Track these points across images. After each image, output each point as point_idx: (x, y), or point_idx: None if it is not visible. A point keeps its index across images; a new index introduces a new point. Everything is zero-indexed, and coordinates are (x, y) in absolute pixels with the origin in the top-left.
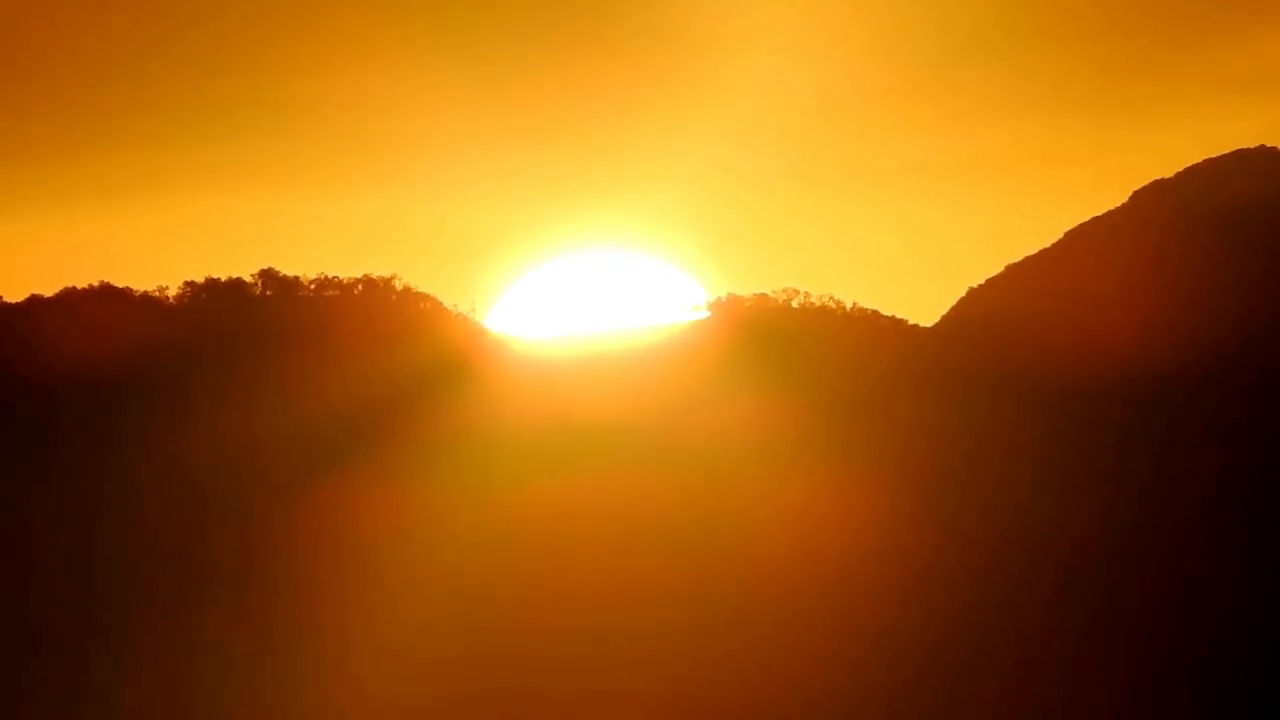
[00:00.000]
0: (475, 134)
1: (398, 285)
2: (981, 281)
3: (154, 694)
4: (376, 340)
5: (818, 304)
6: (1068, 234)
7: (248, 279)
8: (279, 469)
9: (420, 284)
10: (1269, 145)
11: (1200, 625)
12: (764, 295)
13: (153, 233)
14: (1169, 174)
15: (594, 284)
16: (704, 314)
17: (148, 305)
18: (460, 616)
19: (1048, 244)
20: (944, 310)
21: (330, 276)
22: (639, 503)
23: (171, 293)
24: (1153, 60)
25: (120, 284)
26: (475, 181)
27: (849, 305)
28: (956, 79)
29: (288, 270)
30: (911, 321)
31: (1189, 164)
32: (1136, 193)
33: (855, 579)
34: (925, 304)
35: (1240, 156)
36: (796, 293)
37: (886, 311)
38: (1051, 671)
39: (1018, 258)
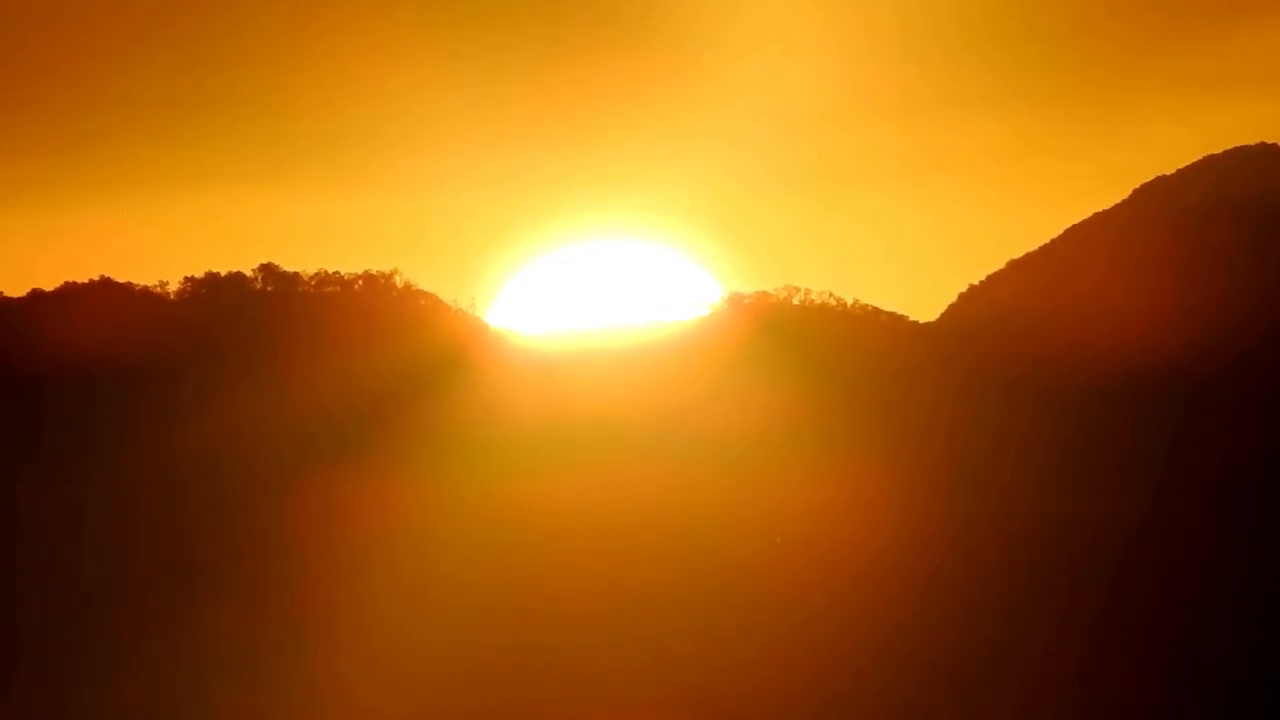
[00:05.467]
0: (477, 129)
1: (398, 281)
2: (982, 278)
3: (140, 691)
4: (376, 336)
5: (818, 301)
6: (1068, 230)
7: (248, 274)
8: (280, 464)
9: (421, 280)
10: (1269, 142)
11: (1215, 620)
12: (765, 292)
13: (153, 228)
14: (1170, 170)
15: (592, 279)
16: (704, 311)
17: (148, 300)
18: (460, 611)
19: (1048, 240)
20: (944, 306)
21: (331, 272)
22: (639, 499)
23: (172, 288)
24: (1153, 57)
25: (121, 279)
26: (476, 177)
27: (849, 302)
28: (957, 76)
29: (288, 266)
30: (912, 318)
31: (1190, 160)
32: (1137, 189)
33: (868, 577)
34: (926, 300)
35: (1241, 153)
36: (797, 290)
37: (887, 308)
38: (1067, 667)
39: (1019, 254)
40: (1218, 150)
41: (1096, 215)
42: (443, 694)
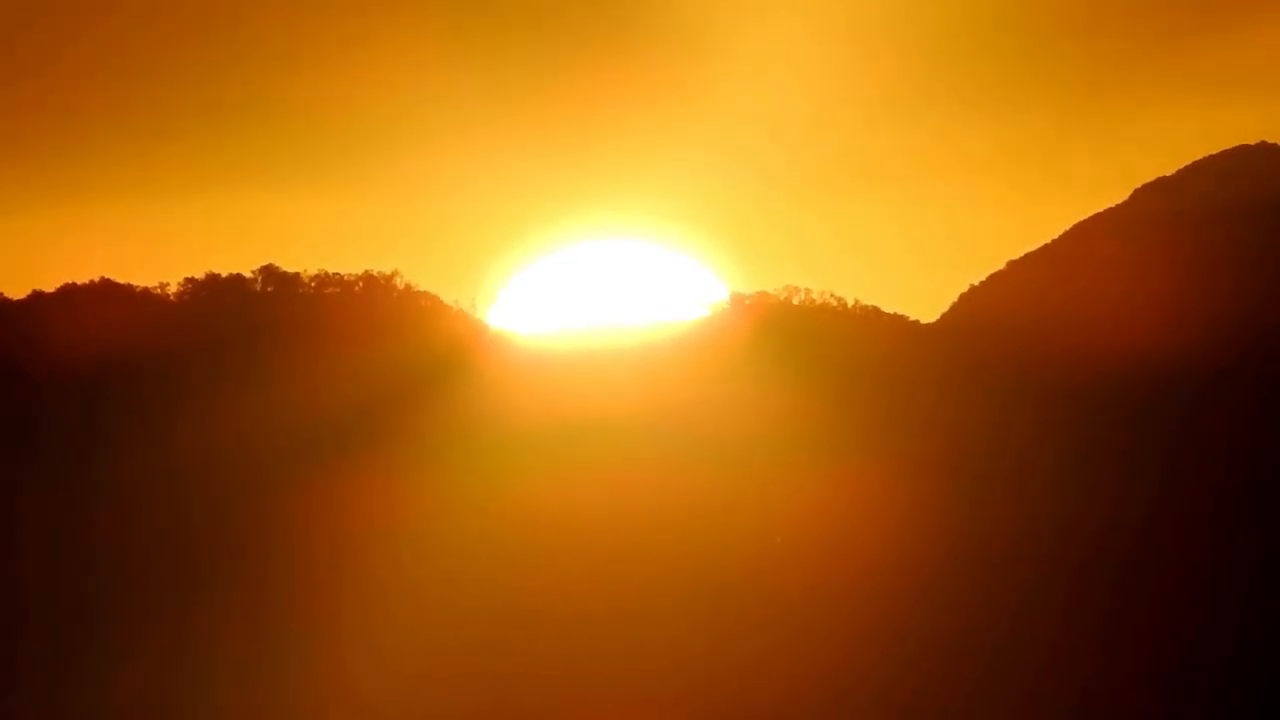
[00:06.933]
0: (478, 129)
1: (399, 282)
2: (983, 278)
3: (143, 691)
4: (376, 337)
5: (819, 301)
6: (1069, 230)
7: (248, 276)
8: (279, 466)
9: (421, 280)
10: (1269, 141)
11: (1219, 620)
12: (765, 293)
13: (154, 230)
14: (1170, 170)
15: (593, 279)
16: (705, 311)
17: (148, 301)
18: (458, 615)
19: (1049, 240)
20: (945, 307)
21: (331, 273)
22: (640, 500)
23: (172, 289)
24: (1153, 56)
25: (121, 280)
26: (476, 177)
27: (850, 302)
28: (957, 77)
29: (288, 267)
30: (913, 318)
31: (1190, 161)
32: (1137, 190)
33: (870, 577)
34: (926, 301)
35: (1241, 153)
36: (798, 290)
37: (888, 308)
38: (1071, 668)
39: (1018, 254)
40: (1218, 150)
41: (1097, 215)
42: (444, 695)
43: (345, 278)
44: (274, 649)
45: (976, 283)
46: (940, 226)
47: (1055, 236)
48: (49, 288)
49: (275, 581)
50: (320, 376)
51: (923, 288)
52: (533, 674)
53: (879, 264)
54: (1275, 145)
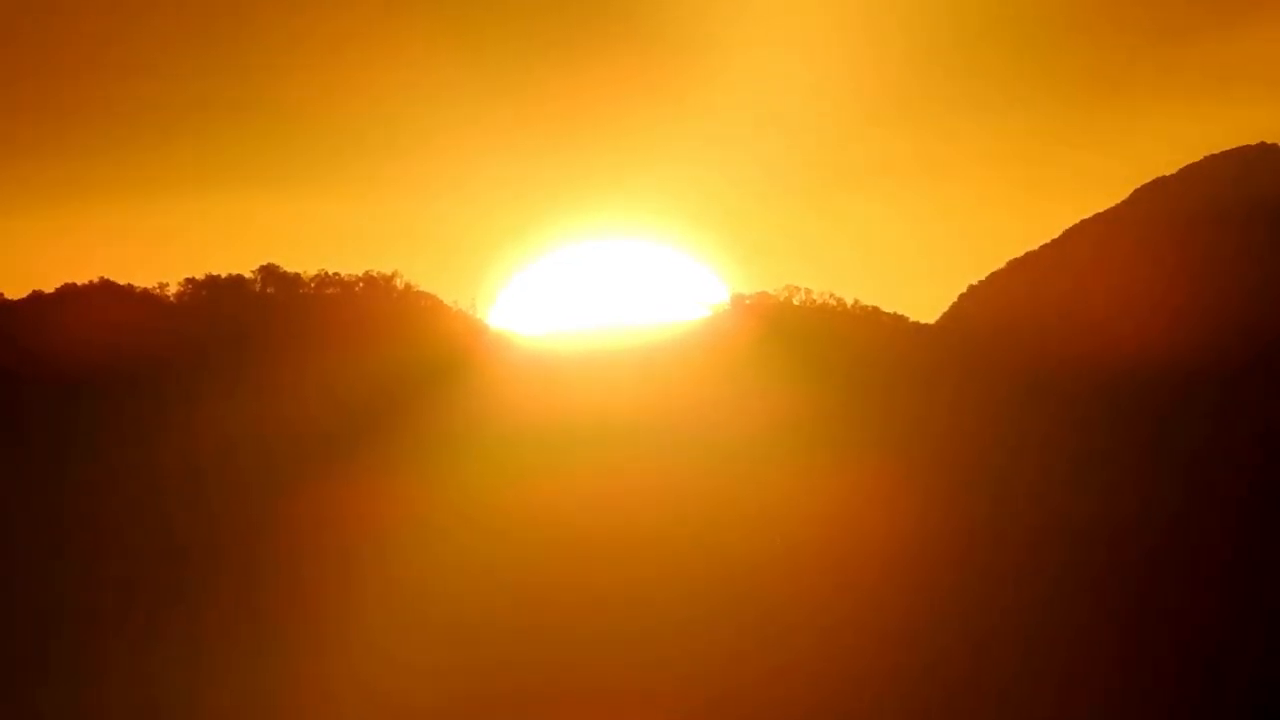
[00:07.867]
0: (478, 130)
1: (399, 283)
2: (983, 278)
3: (127, 691)
4: (377, 338)
5: (819, 301)
6: (1068, 230)
7: (249, 276)
8: (280, 465)
9: (422, 281)
10: (1269, 142)
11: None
12: (765, 293)
13: (154, 230)
14: (1170, 171)
15: (594, 279)
16: (705, 311)
17: (148, 302)
18: (458, 612)
19: (1048, 240)
20: (945, 307)
21: (331, 274)
22: (642, 501)
23: (172, 290)
24: (1153, 57)
25: (121, 281)
26: (477, 177)
27: (850, 302)
28: (958, 77)
29: (289, 267)
30: (913, 318)
31: (1190, 161)
32: (1137, 189)
33: (870, 576)
34: (927, 301)
35: (1241, 154)
36: (798, 290)
37: (888, 308)
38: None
39: (1018, 254)
40: (1218, 150)
41: (1097, 215)
42: (443, 691)
43: (345, 278)
44: (260, 652)
45: (976, 283)
46: (940, 226)
47: (1055, 236)
48: (49, 288)
49: (279, 582)
50: (320, 376)
51: (923, 288)
52: (530, 685)
53: (879, 264)
54: (1275, 145)
